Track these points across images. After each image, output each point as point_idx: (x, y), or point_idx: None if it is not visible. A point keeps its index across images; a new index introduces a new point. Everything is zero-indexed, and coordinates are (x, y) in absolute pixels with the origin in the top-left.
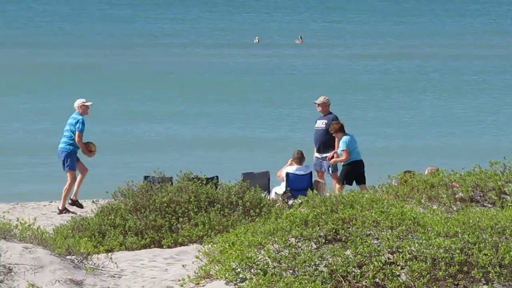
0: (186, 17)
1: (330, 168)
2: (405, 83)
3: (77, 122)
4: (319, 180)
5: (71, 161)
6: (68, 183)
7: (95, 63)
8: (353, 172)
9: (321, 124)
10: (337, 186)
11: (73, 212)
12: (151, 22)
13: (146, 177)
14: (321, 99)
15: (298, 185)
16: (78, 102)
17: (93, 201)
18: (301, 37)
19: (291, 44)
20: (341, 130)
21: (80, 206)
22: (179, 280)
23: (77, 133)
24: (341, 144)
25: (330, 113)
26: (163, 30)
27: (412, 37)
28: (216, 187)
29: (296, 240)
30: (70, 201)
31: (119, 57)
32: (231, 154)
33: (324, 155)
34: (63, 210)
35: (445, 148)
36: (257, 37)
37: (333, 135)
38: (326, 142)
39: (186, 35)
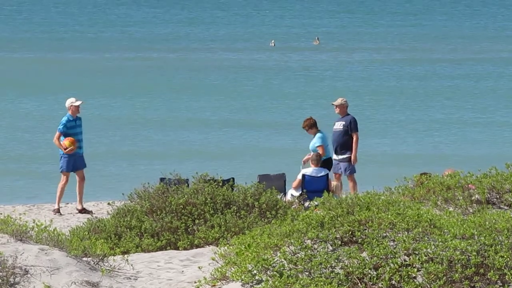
0: (201, 19)
1: (347, 170)
2: (423, 86)
3: (59, 124)
4: (336, 182)
5: (62, 163)
6: (61, 183)
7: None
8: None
9: (339, 125)
10: (354, 187)
11: (90, 211)
12: (166, 24)
13: (162, 179)
14: (338, 101)
15: (314, 187)
16: (67, 103)
17: (109, 203)
18: (318, 38)
19: (308, 46)
20: (315, 126)
21: (88, 212)
22: (195, 282)
23: (56, 133)
24: (317, 140)
25: (348, 114)
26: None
27: (431, 39)
28: (232, 189)
29: (312, 242)
30: (76, 210)
31: (132, 61)
32: (247, 157)
33: (342, 157)
34: (56, 210)
35: (458, 151)
36: (273, 40)
37: (307, 131)
38: (343, 144)
39: (203, 39)
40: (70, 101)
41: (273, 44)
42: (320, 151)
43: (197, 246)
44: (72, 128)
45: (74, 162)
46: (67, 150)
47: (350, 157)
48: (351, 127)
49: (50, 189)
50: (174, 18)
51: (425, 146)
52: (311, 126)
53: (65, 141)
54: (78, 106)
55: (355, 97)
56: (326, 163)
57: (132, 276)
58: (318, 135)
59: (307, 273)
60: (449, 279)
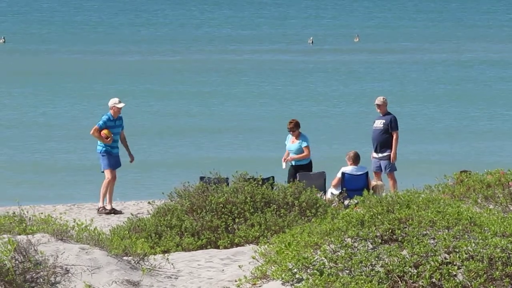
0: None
1: (387, 168)
2: (462, 86)
3: (101, 119)
4: (377, 181)
5: (105, 159)
6: (107, 181)
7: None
8: None
9: (379, 124)
10: (394, 185)
11: (119, 212)
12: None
13: (202, 178)
14: (380, 99)
15: (354, 185)
16: (110, 103)
17: (149, 202)
18: (358, 36)
19: (348, 44)
20: (299, 126)
21: (118, 212)
22: (236, 281)
23: (94, 126)
24: (304, 140)
25: (389, 113)
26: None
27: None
28: (272, 188)
29: (352, 240)
30: (107, 210)
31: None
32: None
33: (382, 155)
34: (101, 209)
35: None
36: (311, 38)
37: (293, 132)
38: (384, 142)
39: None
40: (113, 102)
41: (311, 42)
42: (306, 151)
43: (237, 245)
44: (111, 128)
45: (114, 160)
46: (108, 139)
47: (390, 155)
48: (392, 126)
49: (92, 189)
50: (212, 18)
51: (465, 145)
52: (298, 126)
53: (103, 132)
54: (120, 109)
55: (394, 95)
56: (307, 167)
57: (172, 275)
58: (305, 135)
59: (347, 272)
60: (490, 277)
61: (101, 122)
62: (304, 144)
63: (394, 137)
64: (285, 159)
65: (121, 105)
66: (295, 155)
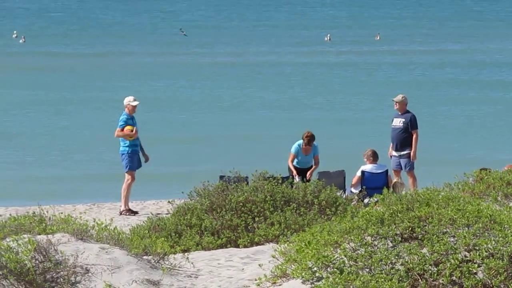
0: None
1: (407, 166)
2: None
3: (119, 122)
4: (397, 179)
5: (130, 161)
6: (127, 182)
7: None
8: None
9: (398, 122)
10: (414, 183)
11: (135, 212)
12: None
13: (221, 177)
14: (399, 97)
15: (374, 184)
16: (125, 101)
17: (169, 201)
18: (379, 34)
19: (368, 41)
20: (314, 139)
21: (134, 212)
22: (256, 280)
23: (117, 129)
24: (317, 151)
25: (408, 111)
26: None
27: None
28: (292, 186)
29: (372, 239)
30: (127, 210)
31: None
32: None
33: (402, 153)
34: (124, 211)
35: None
36: (328, 35)
37: (307, 145)
38: (403, 140)
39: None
40: (128, 100)
41: (328, 39)
42: (318, 161)
43: (257, 244)
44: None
45: (137, 161)
46: (133, 134)
47: (410, 153)
48: (411, 125)
49: (111, 188)
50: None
51: (484, 142)
52: (314, 139)
53: (126, 129)
54: (135, 106)
55: (414, 92)
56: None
57: (192, 274)
58: (316, 146)
59: (367, 270)
60: (510, 274)
61: (121, 123)
62: (317, 153)
63: (414, 136)
64: (298, 174)
65: (135, 103)
66: (307, 166)
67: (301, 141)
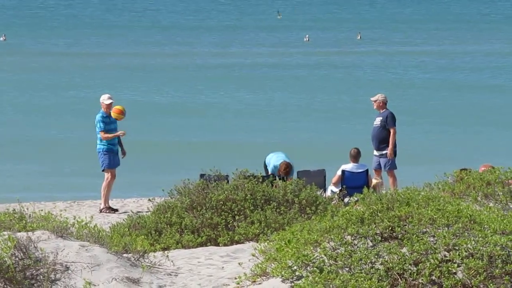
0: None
1: (386, 166)
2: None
3: (97, 123)
4: (376, 178)
5: (107, 159)
6: (107, 181)
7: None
8: None
9: (377, 121)
10: (394, 183)
11: (115, 210)
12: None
13: (202, 175)
14: (376, 97)
15: (354, 183)
16: (100, 99)
17: (149, 199)
18: (359, 33)
19: (349, 41)
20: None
21: (113, 210)
22: (236, 278)
23: (100, 134)
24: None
25: (386, 109)
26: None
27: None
28: (272, 185)
29: (352, 238)
30: (107, 207)
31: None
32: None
33: (381, 152)
34: (104, 209)
35: (496, 148)
36: (307, 35)
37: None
38: (383, 139)
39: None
40: (102, 98)
41: (307, 39)
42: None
43: (237, 242)
44: (106, 125)
45: (114, 159)
46: (120, 115)
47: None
48: (388, 122)
49: (91, 186)
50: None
51: (463, 142)
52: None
53: (114, 114)
54: (109, 105)
55: (393, 92)
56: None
57: (172, 272)
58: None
59: (347, 269)
60: (490, 274)
61: (100, 125)
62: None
63: (391, 133)
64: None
65: (108, 101)
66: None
67: (277, 164)
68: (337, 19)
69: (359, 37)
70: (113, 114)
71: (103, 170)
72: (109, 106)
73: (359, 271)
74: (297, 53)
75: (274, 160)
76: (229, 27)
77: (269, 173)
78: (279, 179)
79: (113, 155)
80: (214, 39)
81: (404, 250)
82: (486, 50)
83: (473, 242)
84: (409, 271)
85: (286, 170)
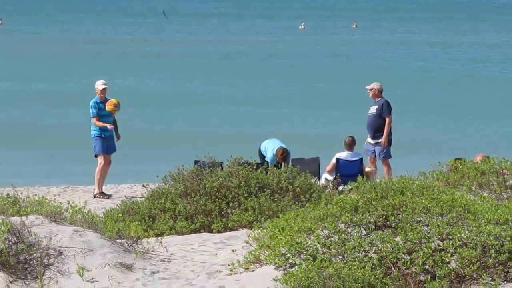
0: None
1: (381, 154)
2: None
3: (90, 109)
4: (370, 166)
5: (98, 143)
6: (100, 165)
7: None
8: None
9: (373, 109)
10: (388, 171)
11: (108, 196)
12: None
13: (196, 162)
14: (371, 85)
15: (348, 171)
16: (95, 85)
17: (143, 185)
18: (355, 22)
19: (345, 31)
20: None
21: (106, 196)
22: (229, 265)
23: (93, 119)
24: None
25: (382, 97)
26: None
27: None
28: (267, 172)
29: (346, 226)
30: (101, 193)
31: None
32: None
33: (376, 141)
34: (97, 195)
35: (492, 137)
36: (303, 23)
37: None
38: (378, 128)
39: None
40: (96, 84)
41: (303, 27)
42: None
43: (231, 229)
44: (100, 110)
45: (107, 144)
46: (114, 108)
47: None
48: (383, 110)
49: (85, 171)
50: None
51: (459, 132)
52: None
53: (108, 106)
54: (102, 90)
55: (389, 82)
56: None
57: (165, 258)
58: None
59: (340, 257)
60: (483, 264)
61: (93, 110)
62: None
63: (387, 121)
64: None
65: (102, 86)
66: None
67: (274, 148)
68: (333, 8)
69: (354, 26)
70: (107, 107)
71: (96, 156)
72: (103, 92)
73: (352, 259)
74: (292, 41)
75: (270, 147)
76: (227, 14)
77: (267, 161)
78: (277, 166)
79: (105, 140)
80: (213, 25)
81: (397, 239)
82: (483, 40)
83: (466, 232)
84: (403, 260)
85: (283, 155)
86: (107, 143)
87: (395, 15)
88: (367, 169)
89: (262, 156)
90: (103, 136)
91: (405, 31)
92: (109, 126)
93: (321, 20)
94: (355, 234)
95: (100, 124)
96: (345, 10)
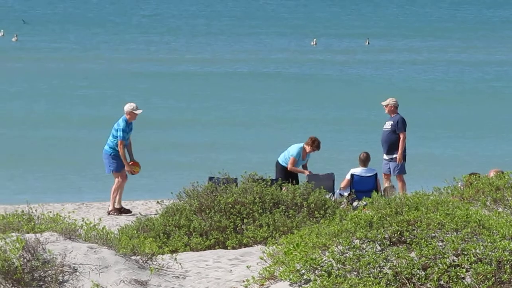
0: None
1: (396, 170)
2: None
3: (118, 130)
4: (388, 184)
5: (115, 163)
6: (118, 183)
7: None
8: None
9: (388, 125)
10: (403, 187)
11: (128, 211)
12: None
13: (211, 178)
14: (387, 101)
15: (363, 187)
16: (127, 107)
17: (158, 202)
18: (368, 39)
19: (357, 48)
20: None
21: (127, 211)
22: (244, 281)
23: (118, 142)
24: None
25: (397, 114)
26: None
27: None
28: (281, 189)
29: (361, 242)
30: (115, 210)
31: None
32: None
33: (391, 156)
34: (112, 211)
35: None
36: (314, 39)
37: (315, 150)
38: (392, 144)
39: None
40: (131, 107)
41: (314, 43)
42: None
43: (246, 245)
44: (125, 133)
45: (122, 163)
46: (132, 170)
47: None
48: (398, 127)
49: (99, 188)
50: None
51: (473, 147)
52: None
53: (136, 165)
54: (137, 115)
55: (405, 97)
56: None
57: (180, 275)
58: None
59: (355, 273)
60: (498, 280)
61: (122, 134)
62: (309, 158)
63: (401, 138)
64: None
65: (139, 111)
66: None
67: (301, 145)
68: (346, 25)
69: (367, 43)
70: (133, 167)
71: (111, 173)
72: (136, 116)
73: (367, 275)
74: (304, 57)
75: (293, 147)
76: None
77: (295, 159)
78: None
79: (119, 158)
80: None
81: (412, 254)
82: (495, 56)
83: (481, 247)
84: (418, 275)
85: (316, 142)
86: (121, 161)
87: (408, 33)
88: (385, 185)
89: (281, 168)
90: (118, 155)
91: (418, 48)
92: (126, 168)
93: (333, 36)
94: (369, 250)
95: (121, 152)
96: (358, 28)
